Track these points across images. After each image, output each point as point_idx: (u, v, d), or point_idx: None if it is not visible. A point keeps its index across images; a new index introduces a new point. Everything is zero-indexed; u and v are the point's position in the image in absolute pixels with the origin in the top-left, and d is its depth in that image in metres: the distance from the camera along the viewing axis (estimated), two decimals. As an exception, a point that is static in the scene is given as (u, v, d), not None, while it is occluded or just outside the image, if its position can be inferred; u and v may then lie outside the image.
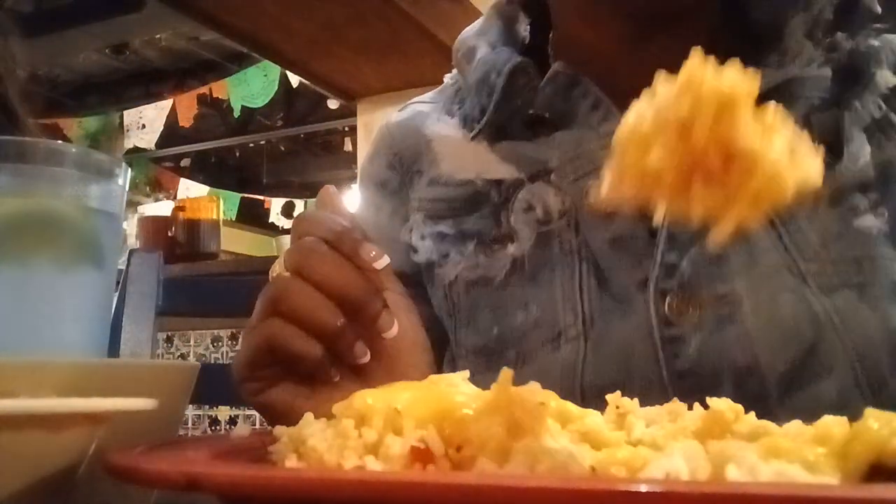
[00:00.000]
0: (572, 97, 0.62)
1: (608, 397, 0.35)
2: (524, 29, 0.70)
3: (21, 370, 0.31)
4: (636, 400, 0.35)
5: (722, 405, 0.31)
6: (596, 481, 0.24)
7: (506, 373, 0.30)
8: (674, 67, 0.59)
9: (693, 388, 0.54)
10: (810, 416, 0.51)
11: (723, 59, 0.58)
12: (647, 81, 0.59)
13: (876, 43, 0.59)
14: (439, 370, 0.67)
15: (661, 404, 0.52)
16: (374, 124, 3.05)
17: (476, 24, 0.71)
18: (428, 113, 0.73)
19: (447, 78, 0.75)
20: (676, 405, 0.34)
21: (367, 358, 0.49)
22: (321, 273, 0.47)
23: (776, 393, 0.53)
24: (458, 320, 0.64)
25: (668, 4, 0.60)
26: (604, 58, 0.63)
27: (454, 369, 0.64)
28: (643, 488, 0.20)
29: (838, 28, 0.59)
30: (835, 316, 0.53)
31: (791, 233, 0.56)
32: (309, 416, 0.31)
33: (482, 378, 0.61)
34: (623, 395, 0.53)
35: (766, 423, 0.31)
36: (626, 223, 0.58)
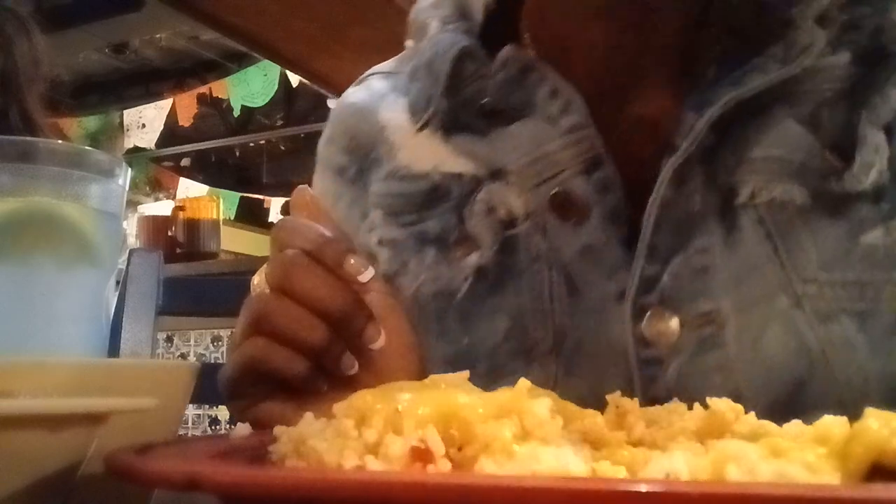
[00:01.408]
0: (528, 84, 0.56)
1: (608, 397, 0.35)
2: None
3: (21, 370, 0.31)
4: (636, 400, 0.35)
5: (722, 405, 0.31)
6: (596, 481, 0.24)
7: (523, 382, 0.30)
8: (656, 63, 0.57)
9: None
10: None
11: (713, 53, 0.55)
12: (626, 75, 0.57)
13: None
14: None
15: None
16: (374, 124, 3.04)
17: None
18: (384, 93, 0.66)
19: (409, 43, 0.67)
20: (676, 405, 0.34)
21: (355, 369, 0.48)
22: (304, 288, 0.46)
23: None
24: (427, 328, 0.59)
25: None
26: (580, 46, 0.57)
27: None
28: (643, 488, 0.20)
29: (860, 0, 0.52)
30: (829, 349, 0.49)
31: (789, 247, 0.51)
32: (309, 416, 0.31)
33: None
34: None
35: (766, 423, 0.31)
36: (597, 231, 0.53)
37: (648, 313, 0.51)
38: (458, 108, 0.58)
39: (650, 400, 0.49)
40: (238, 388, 0.49)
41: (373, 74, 0.70)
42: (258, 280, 0.50)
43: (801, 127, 0.52)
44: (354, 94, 0.69)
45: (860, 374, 0.49)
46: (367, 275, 0.47)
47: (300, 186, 0.53)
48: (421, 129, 0.60)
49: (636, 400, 0.35)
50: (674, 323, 0.51)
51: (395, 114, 0.63)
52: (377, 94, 0.67)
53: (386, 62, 0.71)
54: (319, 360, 0.47)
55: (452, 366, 0.57)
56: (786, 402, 0.49)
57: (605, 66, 0.57)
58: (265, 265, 0.49)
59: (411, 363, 0.52)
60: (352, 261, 0.47)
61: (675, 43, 0.56)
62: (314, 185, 0.70)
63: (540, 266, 0.55)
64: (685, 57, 0.56)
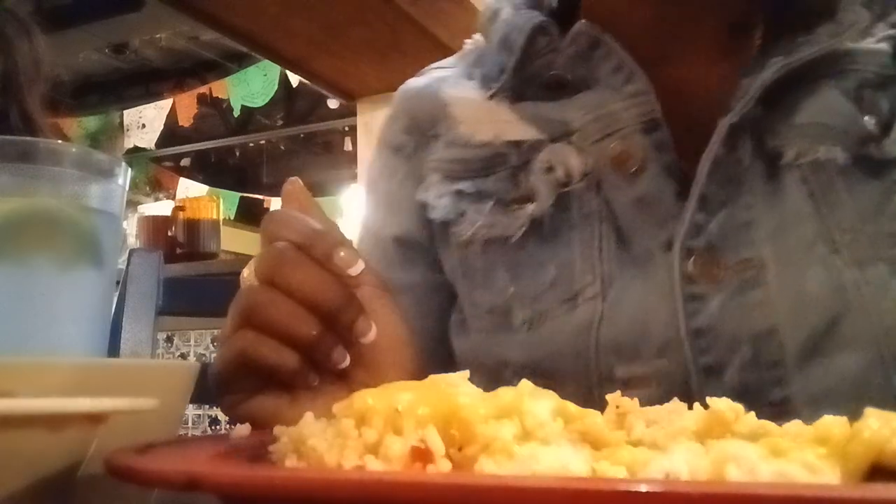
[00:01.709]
0: (594, 59, 0.61)
1: (608, 397, 0.35)
2: None
3: (21, 370, 0.31)
4: (636, 400, 0.35)
5: (722, 405, 0.31)
6: (596, 481, 0.24)
7: (525, 384, 0.30)
8: (704, 34, 0.62)
9: (709, 347, 0.54)
10: (826, 389, 0.52)
11: (766, 30, 0.60)
12: (676, 45, 0.63)
13: None
14: (436, 363, 0.67)
15: (676, 363, 0.54)
16: (374, 124, 3.05)
17: None
18: (446, 77, 0.72)
19: (468, 43, 0.74)
20: (676, 405, 0.34)
21: (346, 363, 0.47)
22: (293, 281, 0.46)
23: (793, 361, 0.52)
24: (473, 280, 0.63)
25: None
26: (631, 18, 0.62)
27: (464, 330, 0.65)
28: (643, 488, 0.20)
29: None
30: (864, 287, 0.52)
31: (830, 204, 0.55)
32: (309, 416, 0.31)
33: (494, 337, 0.62)
34: (638, 352, 0.55)
35: (766, 423, 0.31)
36: (651, 183, 0.57)
37: (695, 255, 0.55)
38: (528, 79, 0.64)
39: (693, 332, 0.54)
40: (228, 383, 0.49)
41: (433, 68, 0.76)
42: (247, 273, 0.49)
43: (845, 98, 0.56)
44: (416, 81, 0.74)
45: (892, 314, 0.52)
46: (356, 268, 0.47)
47: (291, 178, 0.53)
48: (492, 97, 0.65)
49: (636, 400, 0.35)
50: (718, 265, 0.55)
51: (458, 91, 0.69)
52: (439, 79, 0.72)
53: (445, 59, 0.77)
54: (310, 353, 0.47)
55: (495, 314, 0.62)
56: (821, 338, 0.52)
57: (653, 39, 0.62)
58: (254, 258, 0.48)
59: (403, 357, 0.51)
60: (341, 254, 0.47)
61: (721, 18, 0.61)
62: (372, 164, 0.76)
63: (591, 221, 0.59)
64: (732, 31, 0.61)
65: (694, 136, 0.57)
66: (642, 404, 0.54)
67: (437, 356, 0.66)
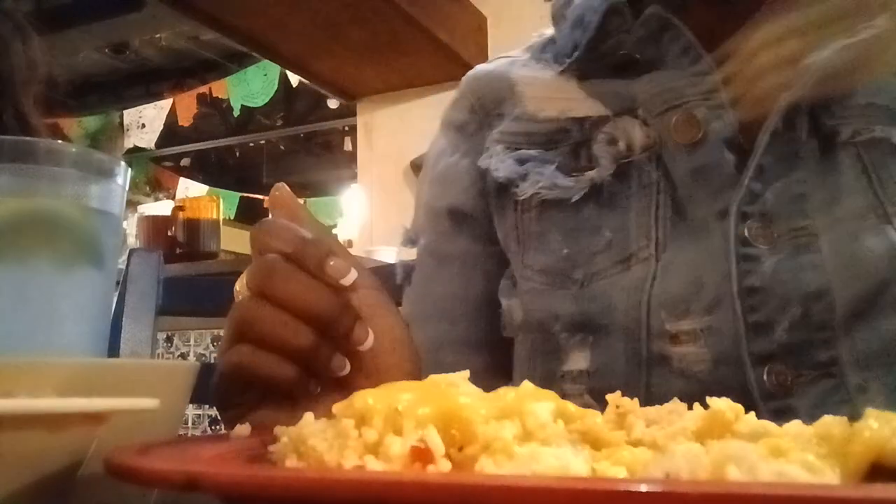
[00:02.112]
0: (663, 41, 0.63)
1: (608, 397, 0.35)
2: None
3: (21, 370, 0.31)
4: (636, 400, 0.35)
5: (722, 405, 0.31)
6: (596, 481, 0.24)
7: (526, 385, 0.30)
8: (764, 17, 0.63)
9: (760, 305, 0.55)
10: (873, 352, 0.54)
11: (830, 19, 0.61)
12: (738, 27, 0.63)
13: None
14: (481, 327, 0.71)
15: (726, 320, 0.56)
16: (373, 124, 3.05)
17: None
18: (514, 61, 0.75)
19: (534, 36, 0.77)
20: (676, 405, 0.34)
21: (346, 370, 0.47)
22: (285, 293, 0.45)
23: (842, 322, 0.54)
24: (527, 244, 0.66)
25: None
26: (698, 4, 0.64)
27: (515, 292, 0.68)
28: (643, 488, 0.20)
29: None
30: None
31: (883, 179, 0.57)
32: (309, 416, 0.31)
33: (546, 294, 0.64)
34: (689, 308, 0.58)
35: (766, 423, 0.31)
36: (710, 153, 0.60)
37: (750, 220, 0.57)
38: (598, 57, 0.67)
39: (745, 290, 0.56)
40: (228, 397, 0.48)
41: (501, 56, 0.80)
42: (240, 287, 0.48)
43: None
44: (484, 66, 0.78)
45: None
46: (349, 277, 0.46)
47: (278, 184, 0.52)
48: (562, 72, 0.69)
49: (636, 400, 0.35)
50: (771, 231, 0.57)
51: (527, 71, 0.73)
52: (508, 62, 0.76)
53: (512, 51, 0.80)
54: (308, 363, 0.46)
55: (547, 274, 0.65)
56: (871, 300, 0.54)
57: (717, 20, 0.63)
58: (246, 270, 0.48)
59: (403, 358, 0.50)
60: (332, 263, 0.46)
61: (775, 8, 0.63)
62: (432, 145, 0.79)
63: (649, 191, 0.62)
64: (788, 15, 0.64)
65: (754, 113, 0.59)
66: (690, 361, 0.56)
67: (482, 321, 0.70)
